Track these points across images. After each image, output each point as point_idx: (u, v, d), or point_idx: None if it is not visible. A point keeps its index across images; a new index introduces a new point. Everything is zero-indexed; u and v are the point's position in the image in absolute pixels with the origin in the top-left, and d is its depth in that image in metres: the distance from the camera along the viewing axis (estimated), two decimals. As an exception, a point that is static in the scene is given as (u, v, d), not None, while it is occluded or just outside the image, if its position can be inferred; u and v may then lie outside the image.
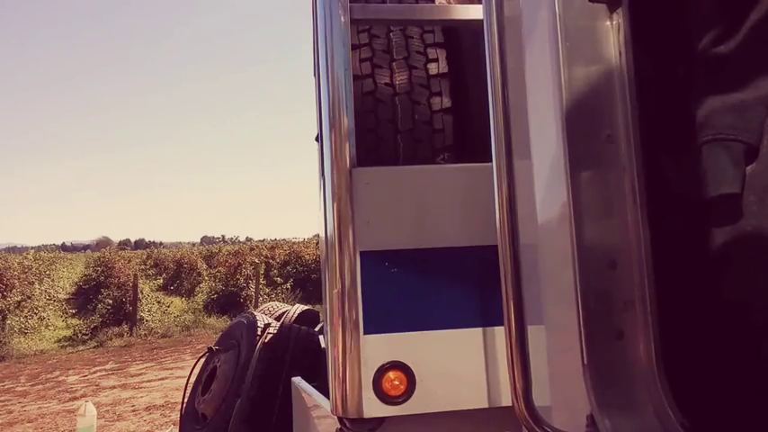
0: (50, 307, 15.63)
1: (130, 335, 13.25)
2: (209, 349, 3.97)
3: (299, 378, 2.78)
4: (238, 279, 16.79)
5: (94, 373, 9.83)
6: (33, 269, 16.50)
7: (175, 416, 6.35)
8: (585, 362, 0.95)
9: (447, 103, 1.91)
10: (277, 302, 5.13)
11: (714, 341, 1.00)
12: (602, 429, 0.92)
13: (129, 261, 20.79)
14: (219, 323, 14.05)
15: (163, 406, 7.33)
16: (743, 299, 0.91)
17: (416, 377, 1.59)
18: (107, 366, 10.34)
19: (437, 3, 2.14)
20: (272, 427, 3.03)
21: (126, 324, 13.73)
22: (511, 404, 1.05)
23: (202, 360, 4.05)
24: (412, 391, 1.58)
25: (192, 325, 14.25)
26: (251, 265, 17.54)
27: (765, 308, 0.88)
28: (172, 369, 9.64)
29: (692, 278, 1.01)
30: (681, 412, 0.93)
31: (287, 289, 16.93)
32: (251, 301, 15.43)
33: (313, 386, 2.52)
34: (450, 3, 2.14)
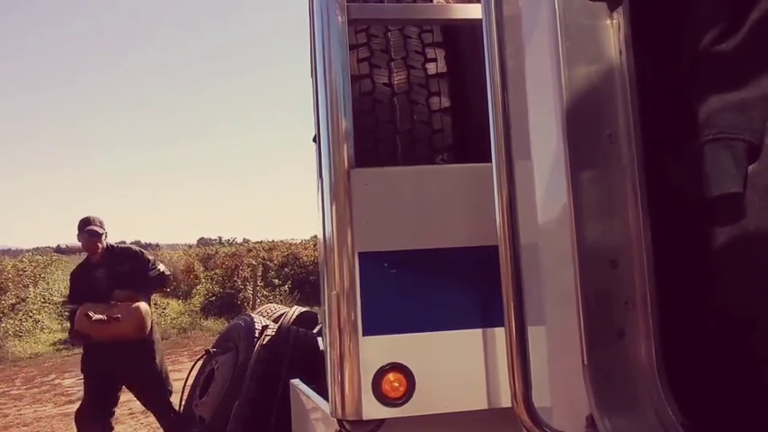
0: (45, 310, 15.52)
1: (127, 337, 13.19)
2: (207, 351, 3.96)
3: (298, 380, 2.77)
4: (236, 281, 16.73)
5: (91, 375, 9.77)
6: (28, 272, 16.40)
7: (172, 418, 6.31)
8: (586, 362, 0.94)
9: (446, 102, 1.91)
10: (275, 304, 5.13)
11: (715, 341, 0.99)
12: (601, 430, 0.92)
13: (126, 263, 20.68)
14: (217, 325, 13.98)
15: (160, 409, 7.29)
16: (744, 298, 0.91)
17: (416, 378, 1.58)
18: (103, 369, 10.28)
19: (435, 2, 2.14)
20: (271, 429, 3.02)
21: (122, 326, 13.67)
22: (510, 405, 1.04)
23: (200, 362, 4.04)
24: (411, 393, 1.58)
25: (189, 327, 14.19)
26: (248, 266, 17.49)
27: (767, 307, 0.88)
28: (169, 372, 9.59)
29: (694, 278, 1.01)
30: (681, 412, 0.93)
31: (285, 291, 16.87)
32: (249, 303, 15.38)
33: (312, 388, 2.51)
34: (448, 2, 2.13)
